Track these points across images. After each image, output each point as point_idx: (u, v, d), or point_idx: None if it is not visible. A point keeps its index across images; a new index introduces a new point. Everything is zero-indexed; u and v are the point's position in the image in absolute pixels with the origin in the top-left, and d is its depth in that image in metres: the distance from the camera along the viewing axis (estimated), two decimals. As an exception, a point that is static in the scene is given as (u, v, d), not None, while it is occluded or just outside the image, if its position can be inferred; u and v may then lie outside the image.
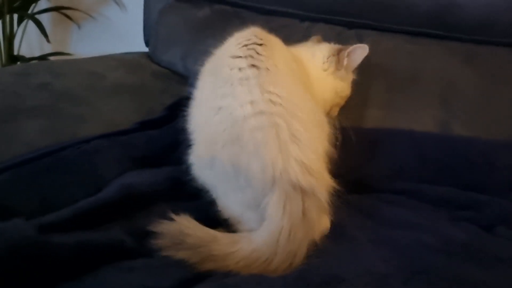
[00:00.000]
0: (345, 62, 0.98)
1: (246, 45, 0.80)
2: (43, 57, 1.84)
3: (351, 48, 0.99)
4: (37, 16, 1.78)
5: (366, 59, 1.09)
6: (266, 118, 0.71)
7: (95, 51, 1.42)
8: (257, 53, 0.78)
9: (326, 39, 1.22)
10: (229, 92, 0.75)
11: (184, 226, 0.76)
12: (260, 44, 0.80)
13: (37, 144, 0.89)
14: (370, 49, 1.22)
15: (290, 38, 1.23)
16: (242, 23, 1.28)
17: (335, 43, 1.05)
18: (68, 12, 1.85)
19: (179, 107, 1.12)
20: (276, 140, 0.70)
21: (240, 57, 0.78)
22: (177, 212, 0.77)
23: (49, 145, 0.86)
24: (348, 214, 0.86)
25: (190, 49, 1.30)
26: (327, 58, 1.00)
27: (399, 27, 1.19)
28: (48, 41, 1.73)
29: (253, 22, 1.27)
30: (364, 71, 1.06)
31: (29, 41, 1.90)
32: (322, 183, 0.72)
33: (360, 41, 1.20)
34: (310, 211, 0.70)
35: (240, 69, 0.76)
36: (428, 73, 1.11)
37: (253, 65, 0.76)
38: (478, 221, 0.87)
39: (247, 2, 1.29)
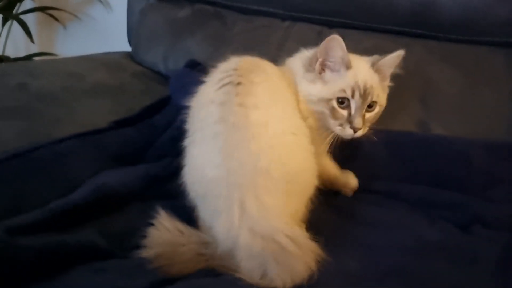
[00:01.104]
0: (317, 63, 0.86)
1: (224, 85, 0.78)
2: (27, 58, 1.82)
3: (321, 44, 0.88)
4: (22, 16, 1.77)
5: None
6: (225, 189, 0.70)
7: (81, 51, 1.42)
8: (235, 94, 0.76)
9: (307, 38, 1.23)
10: (201, 143, 0.76)
11: (161, 226, 0.77)
12: (238, 83, 0.77)
13: (12, 145, 0.88)
14: (351, 47, 1.23)
15: (271, 37, 1.24)
16: (223, 24, 1.29)
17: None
18: (53, 12, 1.84)
19: (157, 106, 1.13)
20: (231, 211, 0.69)
21: (215, 102, 0.77)
22: (153, 212, 0.77)
23: (20, 146, 0.85)
24: (324, 214, 0.86)
25: (171, 49, 1.30)
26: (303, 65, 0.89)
27: (379, 26, 1.19)
28: (32, 41, 1.72)
29: (234, 22, 1.29)
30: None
31: (14, 42, 1.89)
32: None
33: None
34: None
35: (212, 121, 0.75)
36: (408, 72, 1.11)
37: (224, 120, 0.74)
38: (455, 220, 0.88)
39: (228, 2, 1.29)
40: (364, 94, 0.84)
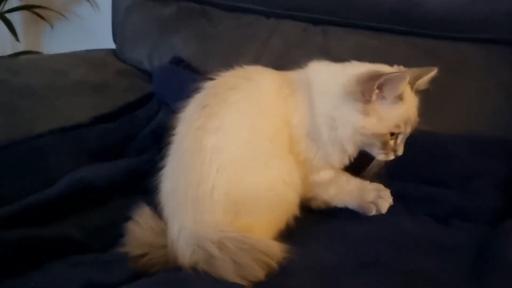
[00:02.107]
0: (374, 95, 0.78)
1: (195, 105, 0.79)
2: (13, 56, 1.81)
3: None
4: (9, 15, 1.76)
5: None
6: (172, 204, 0.75)
7: (68, 50, 1.41)
8: (197, 117, 0.77)
9: (292, 35, 1.23)
10: (170, 155, 0.79)
11: (142, 224, 0.76)
12: (204, 106, 0.77)
13: (-9, 141, 0.88)
14: (336, 45, 1.24)
15: (256, 35, 1.24)
16: (208, 21, 1.29)
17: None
18: (40, 11, 1.83)
19: (140, 102, 1.13)
20: (174, 225, 0.73)
21: (183, 120, 0.79)
22: (133, 206, 0.77)
23: (-1, 142, 0.85)
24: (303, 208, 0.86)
25: (156, 47, 1.30)
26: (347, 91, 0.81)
27: (363, 23, 1.19)
28: (17, 39, 1.72)
29: (220, 19, 1.29)
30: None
31: (1, 40, 1.88)
32: None
33: (325, 36, 1.22)
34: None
35: (177, 139, 0.79)
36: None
37: (181, 141, 0.78)
38: (434, 214, 0.88)
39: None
40: (413, 126, 0.83)
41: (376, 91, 0.77)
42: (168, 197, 0.76)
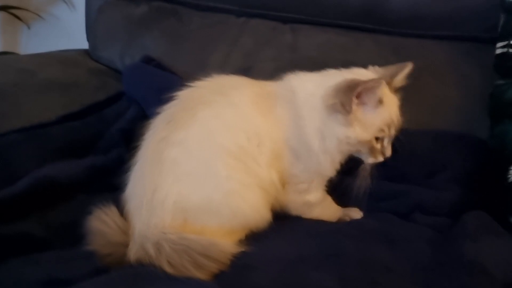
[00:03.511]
0: (353, 105, 0.78)
1: (163, 130, 0.79)
2: (-12, 57, 1.80)
3: None
4: (-16, 15, 1.75)
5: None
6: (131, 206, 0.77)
7: (45, 50, 1.39)
8: (161, 129, 0.78)
9: (262, 34, 1.25)
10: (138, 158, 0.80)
11: (108, 222, 0.77)
12: (169, 122, 0.78)
13: (-46, 141, 0.88)
14: (304, 43, 1.25)
15: (226, 34, 1.25)
16: (179, 20, 1.30)
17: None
18: (16, 12, 1.82)
19: (110, 101, 1.13)
20: (132, 225, 0.76)
21: (151, 143, 0.79)
22: (97, 204, 0.77)
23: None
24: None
25: (128, 46, 1.30)
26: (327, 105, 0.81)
27: (331, 21, 1.21)
28: (-8, 40, 1.71)
29: (190, 19, 1.30)
30: (298, 64, 1.06)
31: (-23, 41, 1.87)
32: None
33: (294, 34, 1.23)
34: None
35: (144, 157, 0.79)
36: (358, 65, 1.13)
37: (145, 150, 0.79)
38: (398, 209, 0.89)
39: (184, -1, 1.30)
40: (397, 126, 0.84)
41: (355, 100, 0.77)
42: (128, 200, 0.78)
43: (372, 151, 0.82)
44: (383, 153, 0.83)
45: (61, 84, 1.14)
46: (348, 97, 0.77)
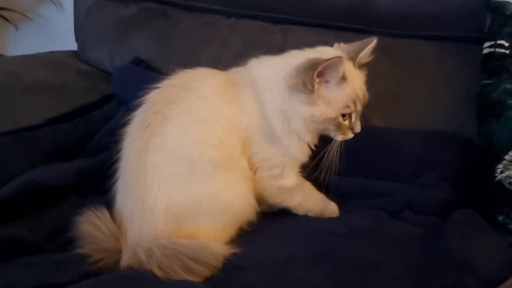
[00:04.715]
0: (315, 83, 0.79)
1: (141, 139, 0.79)
2: (-24, 59, 1.77)
3: None
4: (-30, 17, 1.73)
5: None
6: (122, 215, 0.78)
7: (33, 51, 1.38)
8: (139, 138, 0.78)
9: (251, 34, 1.25)
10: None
11: (100, 226, 0.76)
12: (147, 126, 0.78)
13: None
14: (294, 44, 1.25)
15: (215, 34, 1.25)
16: (169, 21, 1.30)
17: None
18: (3, 13, 1.80)
19: (100, 103, 1.12)
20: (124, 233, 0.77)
21: (132, 154, 0.79)
22: (87, 206, 0.77)
23: None
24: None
25: (117, 47, 1.30)
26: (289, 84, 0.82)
27: (321, 21, 1.21)
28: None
29: (180, 19, 1.29)
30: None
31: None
32: None
33: (284, 35, 1.23)
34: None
35: (128, 169, 0.79)
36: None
37: (127, 161, 0.79)
38: (387, 208, 0.90)
39: (174, 0, 1.30)
40: (363, 102, 0.84)
41: (317, 79, 0.78)
42: (119, 212, 0.79)
43: (340, 127, 0.82)
44: (352, 129, 0.84)
45: (49, 86, 1.13)
46: (309, 76, 0.77)
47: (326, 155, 0.84)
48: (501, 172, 0.86)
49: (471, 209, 0.85)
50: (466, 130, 1.03)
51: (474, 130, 1.03)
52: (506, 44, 0.98)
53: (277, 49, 1.20)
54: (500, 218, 0.85)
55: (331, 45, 0.88)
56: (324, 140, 0.88)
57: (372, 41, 0.87)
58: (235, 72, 0.88)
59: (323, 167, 0.85)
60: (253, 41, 1.22)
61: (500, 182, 0.86)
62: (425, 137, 1.01)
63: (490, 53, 1.01)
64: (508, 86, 0.95)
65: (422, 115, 1.09)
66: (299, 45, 1.21)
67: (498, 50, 0.99)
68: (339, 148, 0.84)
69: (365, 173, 0.98)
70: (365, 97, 0.84)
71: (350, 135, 0.84)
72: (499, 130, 0.91)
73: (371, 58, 0.88)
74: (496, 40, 1.00)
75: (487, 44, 1.02)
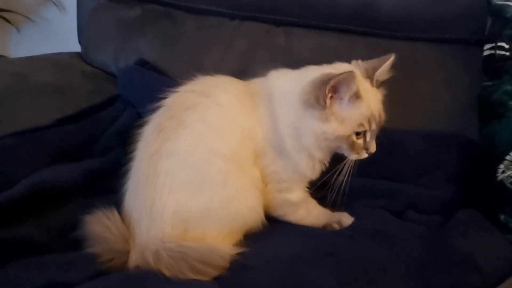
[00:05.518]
0: (327, 100, 0.78)
1: (154, 143, 0.79)
2: (-22, 61, 1.78)
3: None
4: (-28, 19, 1.73)
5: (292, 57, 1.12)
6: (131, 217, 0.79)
7: (35, 53, 1.38)
8: (152, 142, 0.79)
9: (255, 37, 1.26)
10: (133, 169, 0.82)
11: (106, 221, 0.77)
12: (161, 130, 0.79)
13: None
14: (297, 46, 1.26)
15: (219, 36, 1.26)
16: (173, 23, 1.30)
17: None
18: (5, 14, 1.80)
19: (105, 104, 1.13)
20: (132, 235, 0.78)
21: (144, 158, 0.79)
22: (96, 206, 0.78)
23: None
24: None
25: (121, 49, 1.30)
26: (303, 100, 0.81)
27: (325, 24, 1.22)
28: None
29: (184, 21, 1.30)
30: (291, 67, 1.07)
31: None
32: None
33: (288, 37, 1.24)
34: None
35: (140, 172, 0.80)
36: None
37: (139, 164, 0.80)
38: (391, 207, 0.91)
39: (178, 2, 1.30)
40: (379, 121, 0.82)
41: (329, 95, 0.77)
42: (128, 214, 0.80)
43: (353, 146, 0.81)
44: (366, 149, 0.82)
45: (55, 88, 1.14)
46: (322, 91, 0.77)
47: (337, 173, 0.83)
48: (503, 172, 0.88)
49: (473, 209, 0.86)
50: (467, 130, 1.05)
51: (475, 131, 1.04)
52: (507, 46, 1.00)
53: (281, 51, 1.23)
54: (502, 217, 0.86)
55: (349, 61, 0.88)
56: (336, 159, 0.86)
57: (390, 57, 0.85)
58: (256, 83, 0.87)
59: (333, 186, 0.84)
60: (257, 43, 1.23)
61: (501, 182, 0.87)
62: (427, 137, 1.02)
63: (490, 55, 1.02)
64: (509, 87, 0.96)
65: (425, 117, 1.10)
66: (302, 47, 1.23)
67: (498, 52, 1.01)
68: (351, 168, 0.82)
69: (368, 173, 0.98)
70: (382, 117, 0.83)
71: (364, 155, 0.83)
72: (500, 131, 0.93)
73: (389, 75, 0.87)
74: (496, 42, 1.01)
75: (487, 46, 1.03)
